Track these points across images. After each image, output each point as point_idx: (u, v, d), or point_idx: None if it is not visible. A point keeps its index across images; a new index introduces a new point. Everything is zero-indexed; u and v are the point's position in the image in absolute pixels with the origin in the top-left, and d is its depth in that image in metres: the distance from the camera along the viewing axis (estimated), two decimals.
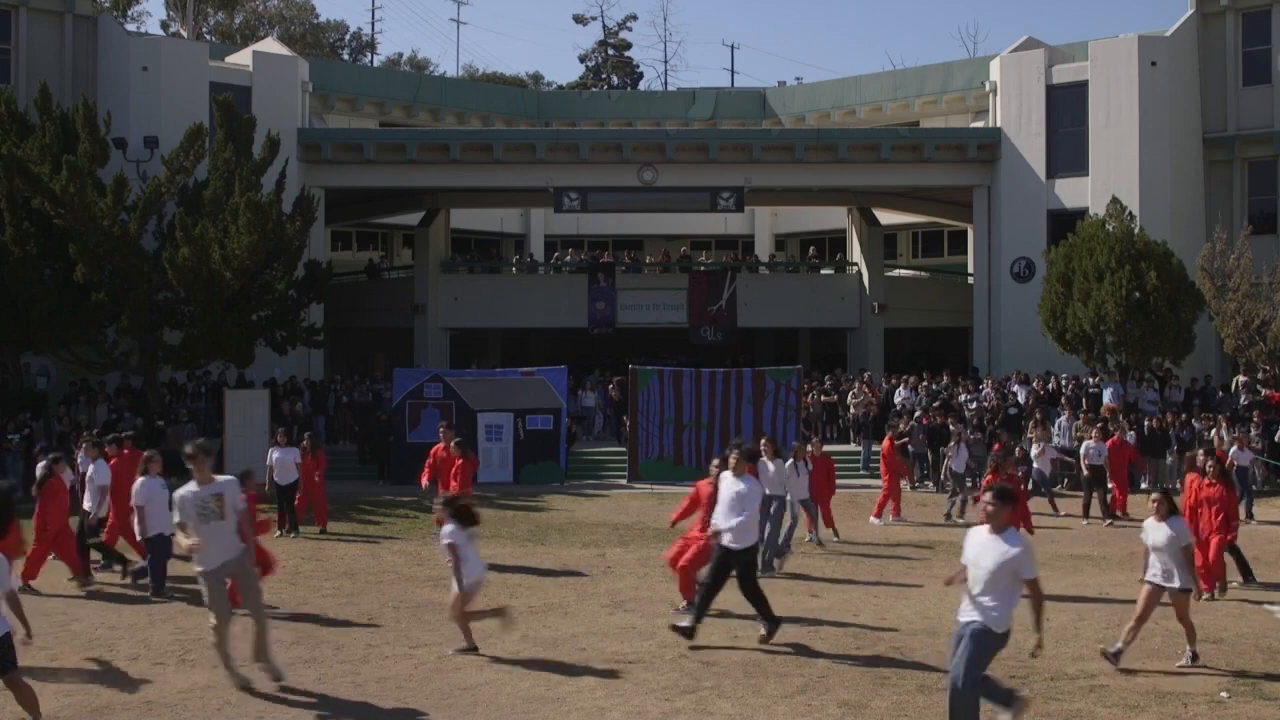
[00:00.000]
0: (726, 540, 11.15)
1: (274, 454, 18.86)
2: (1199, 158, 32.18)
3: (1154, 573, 10.60)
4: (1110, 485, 21.14)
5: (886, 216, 38.00)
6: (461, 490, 15.36)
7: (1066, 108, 32.21)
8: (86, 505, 15.01)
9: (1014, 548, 7.90)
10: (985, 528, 8.09)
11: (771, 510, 14.98)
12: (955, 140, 33.77)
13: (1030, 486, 21.12)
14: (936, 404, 26.81)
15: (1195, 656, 10.59)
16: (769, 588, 11.95)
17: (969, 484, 21.12)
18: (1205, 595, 13.20)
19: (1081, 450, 21.66)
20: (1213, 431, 24.79)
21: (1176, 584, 10.51)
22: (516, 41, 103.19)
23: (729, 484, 11.35)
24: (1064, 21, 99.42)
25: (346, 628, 12.05)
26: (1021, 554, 7.88)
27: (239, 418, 25.84)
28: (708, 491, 12.39)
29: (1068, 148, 32.10)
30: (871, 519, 20.30)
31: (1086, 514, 20.58)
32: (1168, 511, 10.63)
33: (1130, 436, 23.60)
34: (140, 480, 13.75)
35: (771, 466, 15.14)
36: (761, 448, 15.11)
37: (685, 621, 11.21)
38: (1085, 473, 21.25)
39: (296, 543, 17.92)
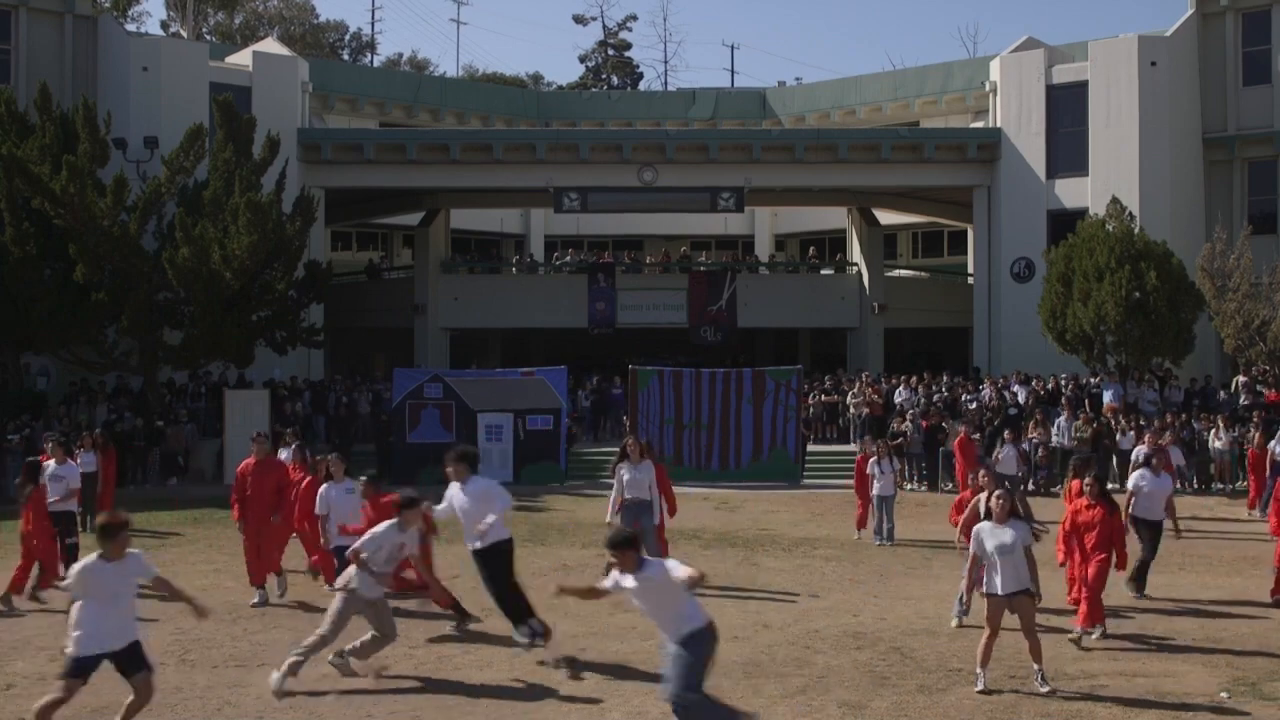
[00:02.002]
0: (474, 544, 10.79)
1: (283, 454, 18.72)
2: (1199, 158, 32.18)
3: (996, 582, 9.69)
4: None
5: (886, 216, 38.01)
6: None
7: (1066, 108, 32.22)
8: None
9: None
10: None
11: (638, 517, 14.06)
12: (955, 140, 33.79)
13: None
14: (937, 403, 26.80)
15: (1044, 676, 9.69)
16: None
17: (1021, 487, 20.63)
18: (1082, 633, 11.32)
19: (1133, 457, 20.30)
20: (1212, 432, 24.79)
21: (1022, 588, 9.67)
22: (516, 41, 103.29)
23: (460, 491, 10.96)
24: (1064, 21, 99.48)
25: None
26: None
27: (239, 418, 25.82)
28: None
29: (1068, 148, 32.10)
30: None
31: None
32: (1009, 512, 9.87)
33: (1130, 437, 23.56)
34: (323, 486, 13.14)
35: (638, 470, 14.18)
36: (628, 448, 14.42)
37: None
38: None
39: (298, 544, 17.87)
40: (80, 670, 8.05)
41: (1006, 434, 22.07)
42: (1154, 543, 13.82)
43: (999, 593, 9.69)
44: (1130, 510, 13.88)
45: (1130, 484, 14.25)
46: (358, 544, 10.12)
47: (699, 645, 7.81)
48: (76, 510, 15.33)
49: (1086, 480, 11.93)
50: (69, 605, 8.30)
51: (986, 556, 9.78)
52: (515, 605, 10.93)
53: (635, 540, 8.27)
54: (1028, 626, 9.75)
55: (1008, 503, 9.90)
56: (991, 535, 9.79)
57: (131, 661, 8.12)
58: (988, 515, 10.00)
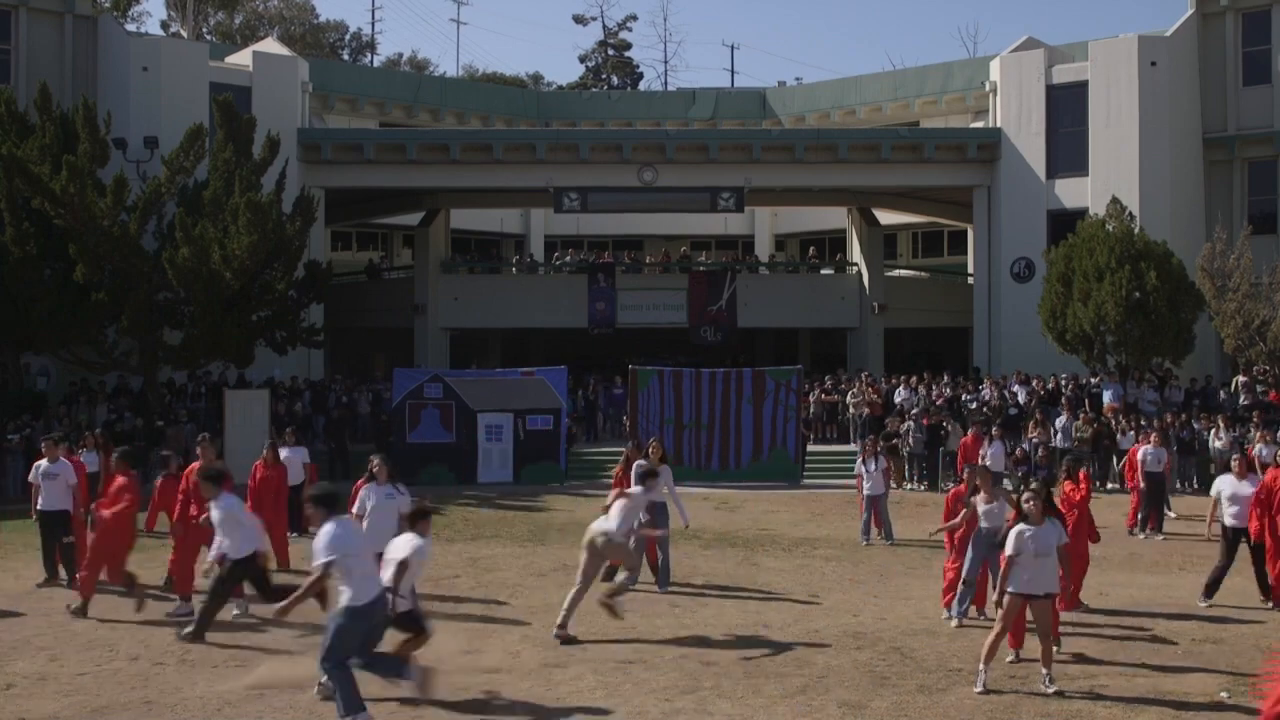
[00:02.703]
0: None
1: (282, 452, 18.66)
2: (1199, 158, 32.18)
3: (1024, 581, 9.58)
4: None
5: (886, 216, 38.01)
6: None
7: (1066, 108, 32.21)
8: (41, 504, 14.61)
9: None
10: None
11: (647, 520, 13.54)
12: (955, 140, 33.78)
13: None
14: (938, 402, 26.80)
15: (1051, 678, 9.64)
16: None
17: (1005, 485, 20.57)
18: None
19: (1139, 457, 19.97)
20: (1212, 432, 24.78)
21: (1046, 590, 9.60)
22: (516, 41, 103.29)
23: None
24: (1064, 21, 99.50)
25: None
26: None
27: (239, 418, 25.86)
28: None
29: (1068, 148, 32.10)
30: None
31: (1144, 527, 19.01)
32: (1044, 511, 9.74)
33: (1130, 437, 23.55)
34: (363, 488, 12.74)
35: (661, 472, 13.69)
36: (650, 450, 14.41)
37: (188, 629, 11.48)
38: (1141, 484, 19.35)
39: (298, 544, 17.89)
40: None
41: (994, 430, 22.07)
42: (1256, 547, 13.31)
43: (1023, 591, 9.62)
44: (1217, 518, 13.59)
45: (1213, 491, 13.83)
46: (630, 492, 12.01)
47: (349, 618, 8.55)
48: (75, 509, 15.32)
49: (1032, 486, 11.07)
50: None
51: (1023, 556, 9.60)
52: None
53: (330, 499, 8.92)
54: (1044, 631, 9.71)
55: (1040, 500, 9.75)
56: (1034, 538, 9.60)
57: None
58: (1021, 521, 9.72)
